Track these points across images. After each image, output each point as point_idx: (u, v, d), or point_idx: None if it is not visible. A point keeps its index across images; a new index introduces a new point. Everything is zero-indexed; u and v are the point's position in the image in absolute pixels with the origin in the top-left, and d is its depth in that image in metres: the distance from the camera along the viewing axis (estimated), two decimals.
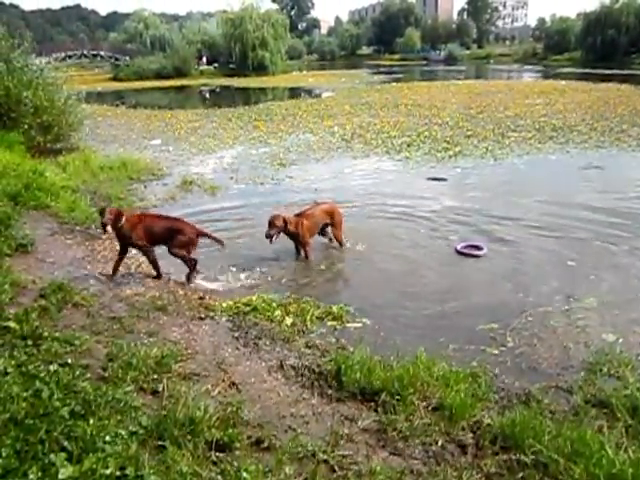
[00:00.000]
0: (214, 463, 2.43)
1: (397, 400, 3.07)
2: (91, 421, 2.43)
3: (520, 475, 2.54)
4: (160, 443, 2.47)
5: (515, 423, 2.84)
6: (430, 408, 3.07)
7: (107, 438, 2.35)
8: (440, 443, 2.79)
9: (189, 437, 2.52)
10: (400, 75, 46.42)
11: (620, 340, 4.22)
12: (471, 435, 2.87)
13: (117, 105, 25.08)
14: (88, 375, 2.96)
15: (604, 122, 15.54)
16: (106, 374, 3.05)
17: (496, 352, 4.07)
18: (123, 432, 2.43)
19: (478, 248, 6.27)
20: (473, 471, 2.57)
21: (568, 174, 10.14)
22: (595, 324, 4.52)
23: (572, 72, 44.29)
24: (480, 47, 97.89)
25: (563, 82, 31.73)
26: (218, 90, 37.33)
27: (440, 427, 2.90)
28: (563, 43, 71.00)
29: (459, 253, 6.23)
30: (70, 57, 48.72)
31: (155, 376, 3.11)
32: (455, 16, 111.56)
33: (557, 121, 15.89)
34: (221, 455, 2.48)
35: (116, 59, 51.54)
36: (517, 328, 4.43)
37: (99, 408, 2.58)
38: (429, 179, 9.77)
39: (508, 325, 4.47)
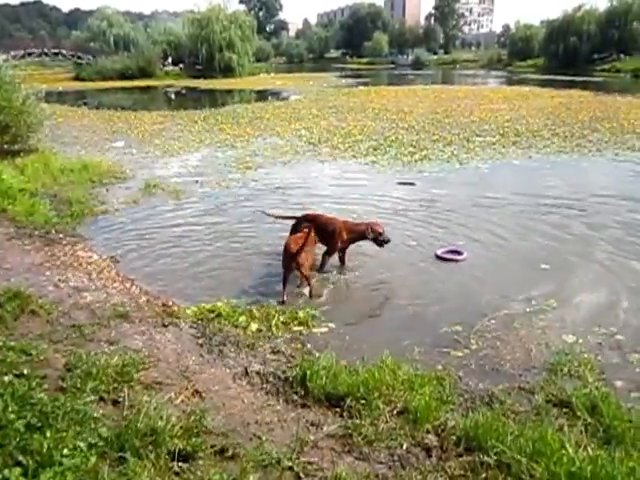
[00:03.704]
0: (176, 474, 2.39)
1: (362, 405, 3.08)
2: (48, 434, 2.36)
3: (483, 476, 2.57)
4: (120, 455, 2.41)
5: (478, 425, 2.87)
6: (395, 412, 3.08)
7: (65, 451, 2.28)
8: (405, 447, 2.80)
9: (151, 448, 2.47)
10: (368, 79, 46.87)
11: (580, 341, 4.33)
12: (436, 438, 2.90)
13: (79, 105, 24.51)
14: (45, 386, 2.87)
15: (566, 127, 15.97)
16: (64, 384, 2.95)
17: (460, 355, 4.12)
18: (82, 444, 2.36)
19: (458, 253, 6.30)
20: (438, 474, 2.59)
21: (531, 177, 10.39)
22: (556, 325, 4.62)
23: (536, 78, 45.44)
24: (447, 52, 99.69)
25: (527, 88, 32.52)
26: (184, 92, 36.89)
27: (405, 431, 2.92)
28: (527, 50, 72.86)
29: (438, 258, 6.22)
30: (30, 55, 47.35)
31: (116, 385, 3.03)
32: (422, 21, 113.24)
33: (520, 126, 16.26)
34: (184, 465, 2.44)
35: (78, 58, 50.34)
36: (481, 330, 4.50)
37: (56, 420, 2.51)
38: (399, 183, 9.85)
39: (472, 327, 4.53)
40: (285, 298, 5.14)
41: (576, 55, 60.02)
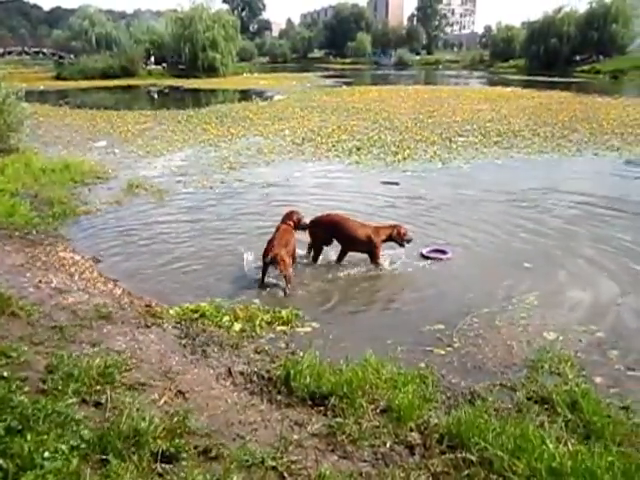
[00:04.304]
0: (160, 475, 2.37)
1: (346, 403, 3.09)
2: (29, 437, 2.34)
3: (466, 473, 2.59)
4: (103, 457, 2.40)
5: (461, 422, 2.90)
6: (379, 410, 3.10)
7: (46, 454, 2.26)
8: (388, 445, 2.82)
9: (133, 449, 2.46)
10: (351, 79, 46.96)
11: (560, 338, 4.39)
12: (419, 435, 2.91)
13: (61, 105, 24.18)
14: (26, 388, 2.84)
15: (546, 128, 16.17)
16: (45, 387, 2.92)
17: (443, 353, 4.15)
18: (63, 447, 2.34)
19: (443, 252, 6.36)
20: (421, 471, 2.61)
21: (513, 176, 10.51)
22: (537, 323, 4.68)
23: (517, 79, 45.92)
24: (429, 53, 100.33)
25: (508, 89, 32.84)
26: (167, 91, 36.59)
27: (388, 429, 2.94)
28: (508, 51, 73.67)
29: (423, 257, 6.28)
30: (10, 53, 46.82)
31: (98, 387, 3.00)
32: (405, 22, 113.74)
33: (502, 126, 16.43)
34: (167, 466, 2.43)
35: (60, 57, 49.77)
36: (463, 329, 4.54)
37: (37, 423, 2.48)
38: (382, 183, 9.89)
39: (455, 326, 4.57)
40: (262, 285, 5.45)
41: (556, 56, 60.83)
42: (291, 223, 5.91)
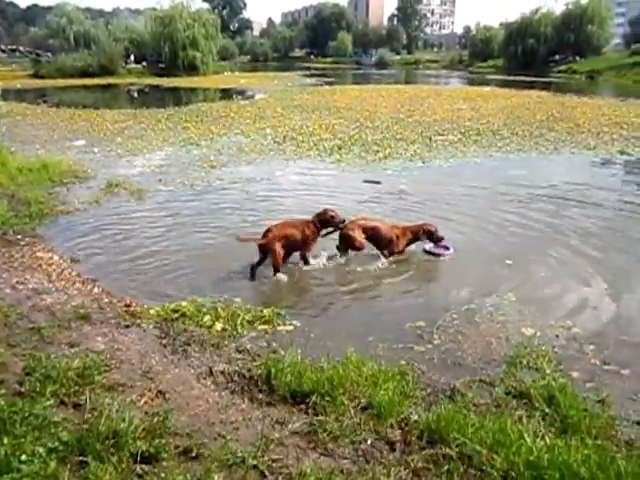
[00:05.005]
0: (139, 476, 2.36)
1: (327, 401, 3.09)
2: (5, 440, 2.31)
3: (446, 468, 2.61)
4: (82, 459, 2.38)
5: (440, 418, 2.92)
6: (360, 407, 3.11)
7: (23, 457, 2.24)
8: (369, 441, 2.83)
9: (113, 450, 2.44)
10: (332, 78, 47.02)
11: (538, 334, 4.45)
12: (399, 432, 2.93)
13: (38, 103, 23.81)
14: (3, 391, 2.82)
15: (525, 127, 16.38)
16: (23, 389, 2.89)
17: (423, 349, 4.18)
18: (41, 450, 2.32)
19: (446, 248, 6.42)
20: (401, 467, 2.62)
21: (492, 174, 10.63)
22: (515, 319, 4.74)
23: (496, 79, 46.47)
24: (409, 53, 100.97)
25: (487, 88, 33.21)
26: (147, 90, 36.28)
27: (369, 426, 2.95)
28: (487, 51, 74.56)
29: (427, 253, 6.42)
30: None
31: (77, 389, 2.98)
32: (385, 22, 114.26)
33: (481, 126, 16.61)
34: (147, 467, 2.41)
35: (37, 55, 48.94)
36: (443, 325, 4.58)
37: (14, 425, 2.46)
38: (365, 182, 9.93)
39: (435, 323, 4.60)
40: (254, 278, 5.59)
41: (534, 56, 61.78)
42: (314, 223, 5.89)
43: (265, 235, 5.57)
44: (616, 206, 8.43)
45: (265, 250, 5.53)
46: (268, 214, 7.64)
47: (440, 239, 6.31)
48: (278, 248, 5.51)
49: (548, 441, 2.76)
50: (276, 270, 5.56)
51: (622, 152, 12.90)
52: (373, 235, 6.20)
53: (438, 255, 6.33)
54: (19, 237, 6.43)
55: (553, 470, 2.49)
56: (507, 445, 2.68)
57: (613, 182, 10.13)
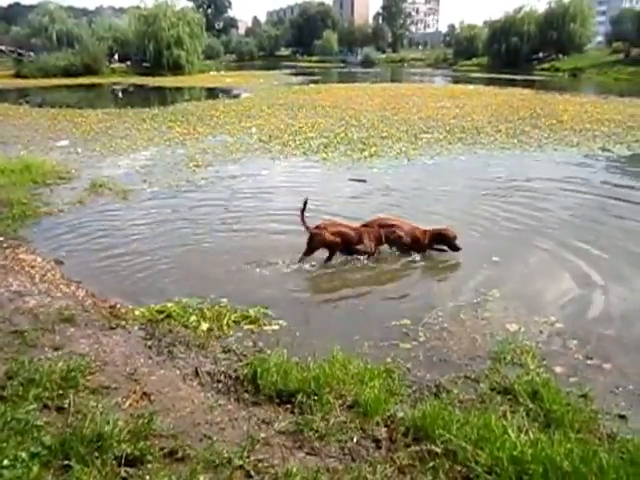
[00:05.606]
0: (124, 479, 2.35)
1: (314, 400, 3.10)
2: None
3: (431, 464, 2.63)
4: (65, 463, 2.36)
5: (426, 415, 2.94)
6: (346, 406, 3.12)
7: (5, 462, 2.23)
8: (355, 439, 2.84)
9: (97, 454, 2.43)
10: (318, 77, 47.02)
11: (522, 329, 4.49)
12: (385, 429, 2.95)
13: (20, 104, 23.51)
14: None
15: (508, 124, 16.52)
16: (4, 393, 2.86)
17: (409, 347, 4.19)
18: (24, 454, 2.31)
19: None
20: (387, 465, 2.64)
21: (477, 171, 10.71)
22: (500, 315, 4.78)
23: (480, 77, 46.78)
24: (395, 51, 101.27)
25: (471, 86, 33.42)
26: (131, 89, 35.98)
27: (355, 424, 2.96)
28: (471, 49, 74.99)
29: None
30: None
31: (61, 392, 2.95)
32: (371, 20, 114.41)
33: (466, 123, 16.70)
34: (131, 470, 2.40)
35: (19, 54, 48.23)
36: (429, 323, 4.60)
37: None
38: (350, 180, 9.94)
39: (421, 320, 4.63)
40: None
41: (517, 54, 62.31)
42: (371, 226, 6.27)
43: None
44: (599, 203, 8.51)
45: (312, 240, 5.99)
46: (255, 212, 7.65)
47: (458, 249, 6.28)
48: (328, 237, 5.98)
49: (532, 436, 2.79)
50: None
51: (603, 149, 13.07)
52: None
53: (439, 251, 6.36)
54: (1, 239, 6.35)
55: (537, 465, 2.52)
56: (491, 441, 2.71)
57: (595, 178, 10.24)
